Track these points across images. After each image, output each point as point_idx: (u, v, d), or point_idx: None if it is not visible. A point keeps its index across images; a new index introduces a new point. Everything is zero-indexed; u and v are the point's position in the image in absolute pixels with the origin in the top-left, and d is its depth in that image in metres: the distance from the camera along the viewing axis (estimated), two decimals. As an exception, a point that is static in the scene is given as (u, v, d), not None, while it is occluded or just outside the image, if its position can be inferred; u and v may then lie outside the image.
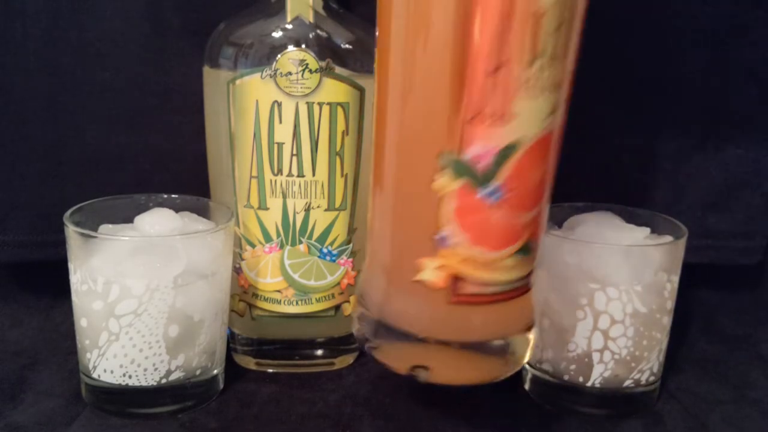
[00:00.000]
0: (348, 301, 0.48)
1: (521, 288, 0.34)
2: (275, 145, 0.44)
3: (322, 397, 0.45)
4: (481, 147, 0.29)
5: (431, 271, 0.32)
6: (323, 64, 0.43)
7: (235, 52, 0.44)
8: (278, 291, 0.47)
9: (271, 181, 0.45)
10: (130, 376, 0.41)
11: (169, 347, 0.41)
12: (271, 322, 0.47)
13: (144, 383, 0.41)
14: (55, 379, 0.46)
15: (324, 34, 0.44)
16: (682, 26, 0.57)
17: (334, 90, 0.43)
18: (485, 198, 0.30)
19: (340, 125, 0.44)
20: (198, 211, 0.46)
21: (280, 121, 0.43)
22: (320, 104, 0.43)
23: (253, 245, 0.46)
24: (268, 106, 0.43)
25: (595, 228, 0.45)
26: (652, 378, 0.45)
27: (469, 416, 0.44)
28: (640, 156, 0.61)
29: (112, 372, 0.41)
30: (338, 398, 0.45)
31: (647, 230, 0.45)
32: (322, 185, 0.45)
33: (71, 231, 0.41)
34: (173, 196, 0.46)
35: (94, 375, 0.42)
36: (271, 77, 0.43)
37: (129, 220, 0.44)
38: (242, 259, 0.46)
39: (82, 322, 0.41)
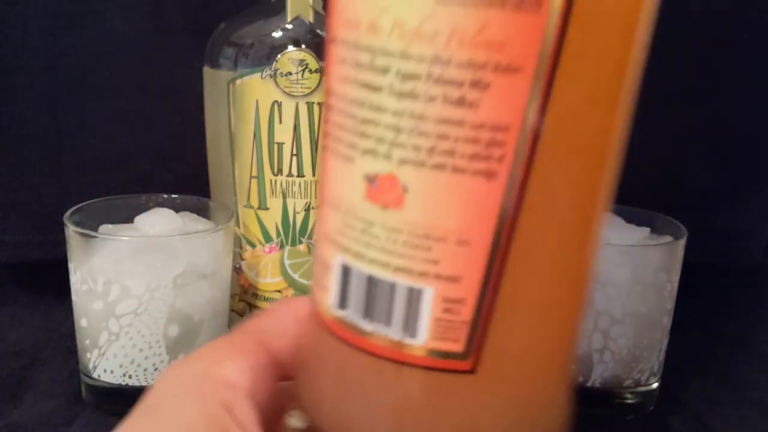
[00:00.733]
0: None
1: None
2: (275, 145, 0.44)
3: (322, 397, 0.45)
4: None
5: None
6: (323, 64, 0.43)
7: (235, 52, 0.44)
8: (278, 291, 0.47)
9: (271, 181, 0.45)
10: (130, 376, 0.41)
11: (169, 347, 0.41)
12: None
13: (144, 383, 0.41)
14: (56, 379, 0.46)
15: (324, 34, 0.44)
16: (682, 26, 0.57)
17: (334, 90, 0.43)
18: None
19: (340, 125, 0.44)
20: (198, 211, 0.46)
21: (280, 121, 0.44)
22: (320, 104, 0.43)
23: (253, 245, 0.46)
24: (268, 106, 0.43)
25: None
26: (652, 378, 0.45)
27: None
28: (640, 156, 0.61)
29: (112, 372, 0.41)
30: (338, 398, 0.45)
31: (647, 230, 0.45)
32: None
33: (71, 231, 0.41)
34: (173, 196, 0.46)
35: (94, 375, 0.42)
36: (271, 77, 0.43)
37: (129, 220, 0.44)
38: (242, 259, 0.46)
39: (82, 322, 0.41)
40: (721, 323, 0.57)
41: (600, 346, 0.43)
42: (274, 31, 0.44)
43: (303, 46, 0.43)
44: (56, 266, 0.46)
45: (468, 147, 0.18)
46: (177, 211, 0.44)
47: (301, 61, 0.43)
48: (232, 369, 0.22)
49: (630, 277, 0.42)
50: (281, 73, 0.43)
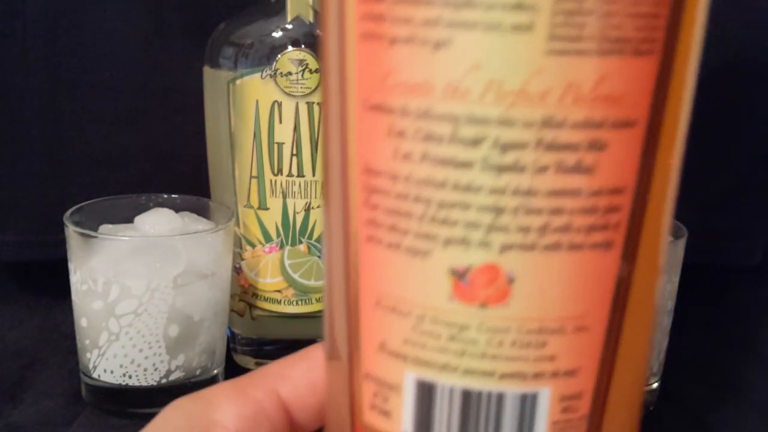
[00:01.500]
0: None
1: None
2: (275, 145, 0.44)
3: (322, 397, 0.45)
4: None
5: None
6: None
7: (235, 52, 0.44)
8: (278, 291, 0.47)
9: (271, 181, 0.45)
10: (130, 376, 0.41)
11: (169, 347, 0.41)
12: (271, 322, 0.47)
13: (144, 383, 0.41)
14: (55, 379, 0.46)
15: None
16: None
17: (334, 90, 0.43)
18: None
19: (340, 125, 0.44)
20: (198, 211, 0.46)
21: (280, 121, 0.44)
22: (320, 104, 0.43)
23: (253, 245, 0.46)
24: (268, 106, 0.43)
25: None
26: (652, 378, 0.45)
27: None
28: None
29: (112, 372, 0.41)
30: (338, 398, 0.45)
31: (647, 230, 0.45)
32: (322, 185, 0.45)
33: (71, 231, 0.41)
34: (173, 196, 0.46)
35: (94, 375, 0.42)
36: (271, 77, 0.43)
37: (129, 220, 0.44)
38: (242, 259, 0.46)
39: (82, 322, 0.41)
40: (721, 323, 0.57)
41: (600, 346, 0.43)
42: (274, 31, 0.44)
43: (303, 46, 0.43)
44: (56, 266, 0.46)
45: (585, 218, 0.16)
46: (177, 211, 0.44)
47: (301, 61, 0.43)
48: (228, 414, 0.21)
49: (630, 277, 0.42)
50: (281, 73, 0.43)
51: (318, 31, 0.17)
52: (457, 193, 0.16)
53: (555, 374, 0.17)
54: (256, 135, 0.44)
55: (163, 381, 0.41)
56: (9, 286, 0.57)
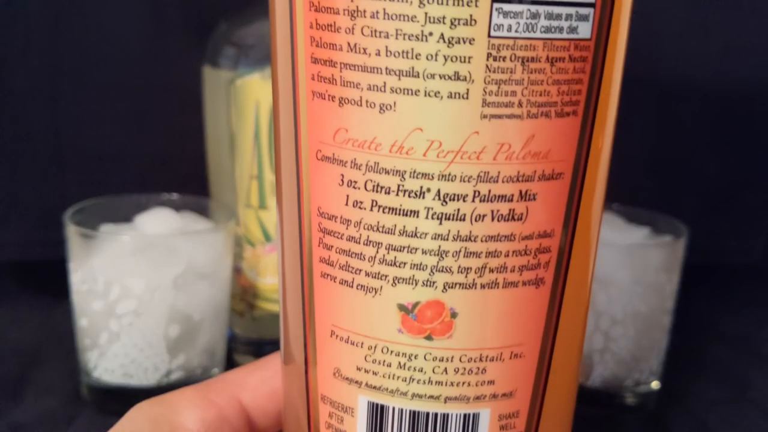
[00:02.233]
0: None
1: None
2: (275, 145, 0.44)
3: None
4: None
5: None
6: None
7: (235, 51, 0.44)
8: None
9: (271, 181, 0.45)
10: (130, 376, 0.41)
11: (170, 347, 0.41)
12: (271, 322, 0.47)
13: (144, 383, 0.41)
14: (56, 379, 0.46)
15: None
16: (684, 27, 0.57)
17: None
18: None
19: (341, 125, 0.44)
20: (198, 211, 0.46)
21: (281, 121, 0.43)
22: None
23: (253, 245, 0.46)
24: (269, 106, 0.43)
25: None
26: (652, 378, 0.45)
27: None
28: (640, 156, 0.61)
29: (112, 371, 0.41)
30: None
31: (647, 230, 0.45)
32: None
33: (71, 231, 0.41)
34: (173, 196, 0.46)
35: (95, 374, 0.42)
36: (271, 77, 0.43)
37: (129, 220, 0.44)
38: (242, 259, 0.46)
39: (82, 321, 0.41)
40: (721, 323, 0.57)
41: (600, 346, 0.43)
42: (274, 31, 0.44)
43: (303, 46, 0.43)
44: (56, 266, 0.46)
45: (519, 260, 0.18)
46: (177, 211, 0.44)
47: (302, 61, 0.43)
48: (191, 418, 0.22)
49: (630, 277, 0.42)
50: (281, 73, 0.43)
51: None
52: (404, 238, 0.17)
53: (494, 396, 0.19)
54: (256, 135, 0.44)
55: (164, 381, 0.41)
56: (9, 286, 0.57)
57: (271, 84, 0.20)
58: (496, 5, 0.16)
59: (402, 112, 0.17)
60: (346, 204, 0.18)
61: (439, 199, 0.17)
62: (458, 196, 0.17)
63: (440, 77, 0.16)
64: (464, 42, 0.16)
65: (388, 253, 0.18)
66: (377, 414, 0.19)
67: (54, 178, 0.54)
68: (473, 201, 0.17)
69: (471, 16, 0.16)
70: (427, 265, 0.17)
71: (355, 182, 0.18)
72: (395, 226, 0.17)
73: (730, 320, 0.58)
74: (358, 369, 0.19)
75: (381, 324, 0.18)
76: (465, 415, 0.19)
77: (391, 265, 0.18)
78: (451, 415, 0.18)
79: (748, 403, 0.47)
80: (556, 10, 0.16)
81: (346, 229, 0.18)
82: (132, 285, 0.40)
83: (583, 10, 0.17)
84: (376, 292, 0.18)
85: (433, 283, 0.18)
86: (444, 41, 0.16)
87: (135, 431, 0.21)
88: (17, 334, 0.51)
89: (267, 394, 0.24)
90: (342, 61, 0.17)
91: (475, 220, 0.17)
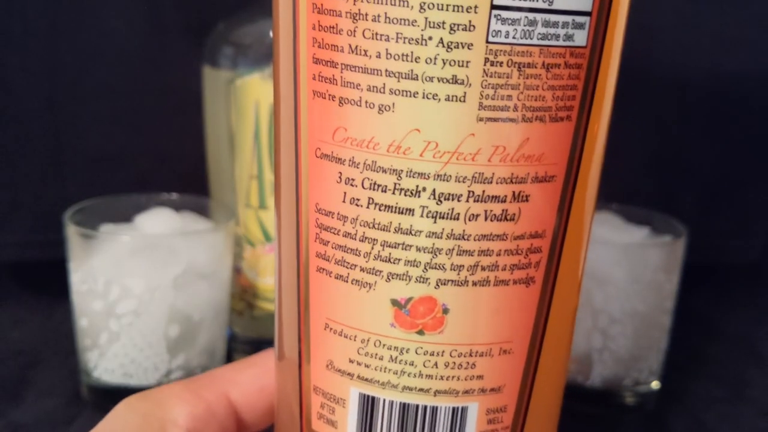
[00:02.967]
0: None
1: None
2: (275, 145, 0.44)
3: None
4: None
5: None
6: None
7: (235, 51, 0.44)
8: (278, 291, 0.47)
9: (271, 180, 0.45)
10: (130, 376, 0.41)
11: (170, 347, 0.41)
12: (270, 321, 0.47)
13: (144, 383, 0.41)
14: (56, 379, 0.46)
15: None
16: (684, 27, 0.57)
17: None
18: None
19: (340, 125, 0.44)
20: (198, 211, 0.46)
21: (280, 121, 0.44)
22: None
23: (253, 245, 0.46)
24: (268, 106, 0.43)
25: (594, 228, 0.45)
26: (651, 377, 0.45)
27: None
28: (640, 156, 0.61)
29: (112, 371, 0.41)
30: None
31: (646, 230, 0.45)
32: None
33: (71, 231, 0.41)
34: (173, 196, 0.46)
35: (95, 374, 0.42)
36: (270, 77, 0.43)
37: (129, 220, 0.44)
38: (242, 259, 0.47)
39: (82, 321, 0.41)
40: (720, 323, 0.58)
41: (599, 345, 0.43)
42: (273, 31, 0.44)
43: (303, 46, 0.43)
44: (56, 266, 0.46)
45: (510, 259, 0.18)
46: (177, 211, 0.44)
47: (301, 61, 0.43)
48: (180, 413, 0.22)
49: (629, 277, 0.42)
50: (281, 73, 0.43)
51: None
52: (399, 235, 0.18)
53: (482, 390, 0.19)
54: (256, 135, 0.44)
55: (164, 381, 0.41)
56: (9, 286, 0.57)
57: (273, 83, 0.20)
58: (494, 12, 0.16)
59: (400, 113, 0.17)
60: (344, 201, 0.18)
61: (434, 198, 0.17)
62: (453, 195, 0.17)
63: (438, 80, 0.17)
64: (463, 47, 0.16)
65: (383, 249, 0.18)
66: (368, 406, 0.19)
67: (54, 179, 0.54)
68: (467, 201, 0.17)
69: (470, 21, 0.16)
70: (420, 262, 0.18)
71: (353, 180, 0.18)
72: (390, 223, 0.18)
73: (730, 320, 0.58)
74: (351, 361, 0.19)
75: (374, 318, 0.19)
76: (454, 409, 0.19)
77: (385, 261, 0.18)
78: (440, 408, 0.19)
79: (748, 403, 0.47)
80: (553, 18, 0.17)
81: (343, 225, 0.18)
82: (132, 285, 0.40)
83: (579, 19, 0.17)
84: (370, 287, 0.18)
85: (426, 279, 0.18)
86: (443, 45, 0.16)
87: (123, 426, 0.22)
88: (17, 334, 0.51)
89: (256, 390, 0.24)
90: (343, 62, 0.17)
91: (469, 220, 0.18)
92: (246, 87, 0.43)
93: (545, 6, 0.17)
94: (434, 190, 0.17)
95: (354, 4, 0.17)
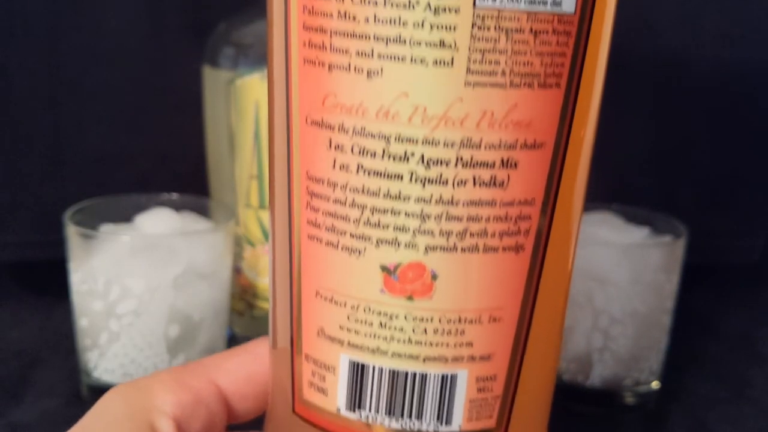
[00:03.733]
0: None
1: None
2: (275, 145, 0.44)
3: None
4: None
5: None
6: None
7: (235, 51, 0.44)
8: (278, 291, 0.47)
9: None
10: (130, 376, 0.41)
11: (170, 347, 0.41)
12: (271, 321, 0.47)
13: (144, 383, 0.41)
14: (56, 379, 0.46)
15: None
16: (684, 28, 0.57)
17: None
18: None
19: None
20: (198, 211, 0.46)
21: (280, 121, 0.44)
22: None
23: (253, 245, 0.46)
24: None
25: (594, 227, 0.45)
26: (651, 377, 0.45)
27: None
28: (640, 156, 0.61)
29: (112, 371, 0.41)
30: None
31: (647, 230, 0.46)
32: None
33: (71, 231, 0.41)
34: (173, 196, 0.46)
35: (95, 374, 0.42)
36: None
37: (129, 220, 0.44)
38: (242, 259, 0.46)
39: (82, 321, 0.41)
40: (720, 323, 0.58)
41: (600, 345, 0.43)
42: (273, 31, 0.44)
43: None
44: (56, 266, 0.46)
45: (499, 225, 0.18)
46: (177, 211, 0.44)
47: (301, 61, 0.43)
48: (167, 401, 0.22)
49: (630, 277, 0.42)
50: (281, 73, 0.43)
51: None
52: (388, 200, 0.18)
53: (472, 358, 0.19)
54: (256, 135, 0.44)
55: (164, 381, 0.41)
56: (9, 286, 0.57)
57: (267, 53, 0.20)
58: None
59: (388, 78, 0.17)
60: (333, 167, 0.18)
61: (423, 163, 0.18)
62: (441, 161, 0.17)
63: (426, 44, 0.17)
64: (450, 11, 0.17)
65: (372, 215, 0.18)
66: (358, 372, 0.19)
67: (54, 179, 0.54)
68: (456, 166, 0.18)
69: None
70: (409, 228, 0.18)
71: (342, 146, 0.18)
72: (380, 189, 0.18)
73: (730, 320, 0.58)
74: (341, 328, 0.19)
75: (364, 284, 0.19)
76: (443, 376, 0.19)
77: (375, 227, 0.18)
78: (430, 375, 0.19)
79: (748, 402, 0.47)
80: None
81: (333, 192, 0.19)
82: (132, 285, 0.40)
83: None
84: (360, 254, 0.19)
85: (415, 245, 0.18)
86: (430, 10, 0.17)
87: (109, 415, 0.21)
88: (17, 334, 0.51)
89: (245, 377, 0.24)
90: (332, 28, 0.17)
91: (457, 185, 0.18)
92: (246, 87, 0.43)
93: None
94: (423, 155, 0.17)
95: None
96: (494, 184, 0.18)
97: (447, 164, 0.18)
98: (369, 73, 0.17)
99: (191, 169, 0.52)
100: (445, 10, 0.17)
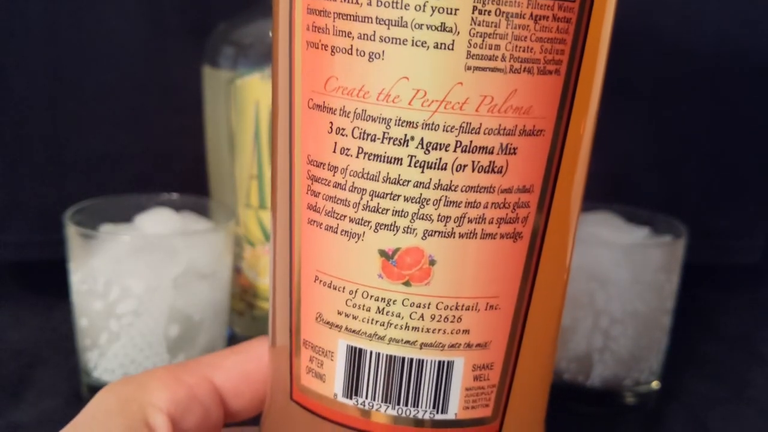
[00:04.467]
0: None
1: None
2: (275, 145, 0.44)
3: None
4: None
5: None
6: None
7: (235, 51, 0.44)
8: (278, 291, 0.47)
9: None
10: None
11: (170, 347, 0.41)
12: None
13: (144, 383, 0.41)
14: (56, 379, 0.46)
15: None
16: (683, 26, 0.57)
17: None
18: None
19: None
20: (198, 211, 0.46)
21: (280, 121, 0.44)
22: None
23: (253, 245, 0.46)
24: (268, 106, 0.43)
25: (595, 227, 0.45)
26: (651, 377, 0.45)
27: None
28: (640, 156, 0.61)
29: (112, 371, 0.41)
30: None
31: (647, 230, 0.46)
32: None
33: (71, 231, 0.41)
34: (173, 196, 0.46)
35: (95, 374, 0.42)
36: (271, 77, 0.43)
37: (129, 220, 0.44)
38: (242, 259, 0.46)
39: (82, 321, 0.41)
40: (720, 323, 0.58)
41: (600, 345, 0.43)
42: (274, 31, 0.44)
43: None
44: (56, 266, 0.46)
45: (497, 212, 0.18)
46: (177, 211, 0.44)
47: (301, 61, 0.43)
48: (161, 397, 0.22)
49: (630, 277, 0.42)
50: (281, 73, 0.43)
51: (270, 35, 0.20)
52: (387, 185, 0.18)
53: (468, 345, 0.19)
54: (256, 135, 0.44)
55: (164, 381, 0.41)
56: (9, 286, 0.57)
57: (272, 37, 0.20)
58: None
59: (390, 61, 0.17)
60: (334, 151, 0.18)
61: (422, 147, 0.18)
62: (441, 145, 0.17)
63: (427, 27, 0.17)
64: None
65: (371, 199, 0.18)
66: (355, 358, 0.19)
67: (54, 179, 0.54)
68: (455, 151, 0.18)
69: None
70: (408, 212, 0.18)
71: (343, 129, 0.18)
72: (379, 172, 0.18)
73: (730, 320, 0.58)
74: (339, 313, 0.19)
75: (362, 269, 0.19)
76: (440, 362, 0.19)
77: (374, 211, 0.18)
78: (426, 361, 0.19)
79: (748, 403, 0.47)
80: None
81: (333, 176, 0.19)
82: (132, 285, 0.40)
83: None
84: (358, 238, 0.19)
85: (414, 230, 0.18)
86: None
87: (103, 411, 0.21)
88: (17, 334, 0.51)
89: (241, 375, 0.24)
90: (335, 10, 0.17)
91: (456, 170, 0.18)
92: (246, 87, 0.43)
93: None
94: (422, 139, 0.17)
95: None
96: (493, 170, 0.18)
97: (446, 149, 0.18)
98: (371, 56, 0.17)
99: (191, 169, 0.52)
100: None
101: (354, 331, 0.19)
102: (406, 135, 0.18)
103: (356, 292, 0.19)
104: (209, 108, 0.46)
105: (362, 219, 0.18)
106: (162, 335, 0.41)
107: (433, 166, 0.18)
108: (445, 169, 0.18)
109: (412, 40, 0.17)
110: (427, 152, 0.18)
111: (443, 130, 0.17)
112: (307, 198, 0.19)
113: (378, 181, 0.18)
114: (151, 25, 0.53)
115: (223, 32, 0.45)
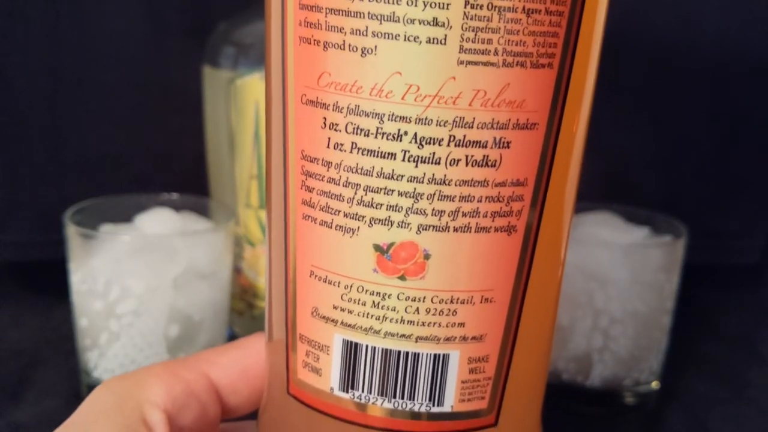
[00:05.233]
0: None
1: None
2: (275, 145, 0.44)
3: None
4: None
5: None
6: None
7: (235, 51, 0.44)
8: (278, 291, 0.47)
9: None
10: (130, 376, 0.41)
11: (170, 347, 0.41)
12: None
13: (144, 383, 0.41)
14: (56, 379, 0.46)
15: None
16: (683, 26, 0.57)
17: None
18: None
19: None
20: (198, 211, 0.46)
21: (280, 121, 0.44)
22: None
23: (253, 245, 0.46)
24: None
25: (594, 227, 0.45)
26: (651, 377, 0.45)
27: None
28: (640, 156, 0.61)
29: (112, 371, 0.41)
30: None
31: (647, 230, 0.46)
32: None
33: (71, 231, 0.41)
34: (173, 196, 0.46)
35: (95, 374, 0.42)
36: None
37: (129, 220, 0.44)
38: (242, 259, 0.46)
39: (82, 321, 0.41)
40: (720, 323, 0.58)
41: (599, 345, 0.43)
42: (274, 31, 0.44)
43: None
44: (56, 266, 0.46)
45: (491, 206, 0.18)
46: (177, 211, 0.44)
47: (301, 61, 0.43)
48: (158, 393, 0.22)
49: (630, 277, 0.42)
50: (281, 73, 0.43)
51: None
52: (381, 179, 0.18)
53: (464, 338, 0.19)
54: (256, 135, 0.44)
55: (164, 381, 0.41)
56: (9, 286, 0.57)
57: (265, 33, 0.20)
58: None
59: (382, 56, 0.17)
60: (328, 146, 0.18)
61: (416, 142, 0.18)
62: (434, 139, 0.18)
63: (419, 22, 0.17)
64: None
65: (365, 194, 0.18)
66: (351, 352, 0.19)
67: (54, 179, 0.54)
68: (448, 145, 0.18)
69: None
70: (402, 207, 0.18)
71: (337, 125, 0.18)
72: (373, 167, 0.18)
73: (730, 320, 0.58)
74: (335, 308, 0.19)
75: (357, 264, 0.19)
76: (435, 356, 0.19)
77: (368, 206, 0.18)
78: (422, 354, 0.19)
79: (748, 403, 0.47)
80: None
81: (327, 171, 0.19)
82: (132, 285, 0.40)
83: None
84: (353, 233, 0.19)
85: (408, 224, 0.18)
86: None
87: (100, 407, 0.22)
88: (17, 334, 0.51)
89: (238, 371, 0.24)
90: (327, 6, 0.18)
91: (450, 164, 0.18)
92: (246, 87, 0.43)
93: None
94: (416, 134, 0.18)
95: None
96: (487, 163, 0.18)
97: (440, 143, 0.18)
98: (363, 51, 0.17)
99: (191, 169, 0.52)
100: None
101: (350, 326, 0.19)
102: (399, 130, 0.18)
103: (351, 286, 0.19)
104: (209, 108, 0.46)
105: (357, 214, 0.18)
106: (162, 335, 0.41)
107: (426, 160, 0.18)
108: (439, 163, 0.18)
109: (405, 35, 0.17)
110: (420, 147, 0.18)
111: (436, 125, 0.17)
112: (302, 193, 0.19)
113: (372, 176, 0.18)
114: (151, 25, 0.53)
115: (223, 32, 0.45)
